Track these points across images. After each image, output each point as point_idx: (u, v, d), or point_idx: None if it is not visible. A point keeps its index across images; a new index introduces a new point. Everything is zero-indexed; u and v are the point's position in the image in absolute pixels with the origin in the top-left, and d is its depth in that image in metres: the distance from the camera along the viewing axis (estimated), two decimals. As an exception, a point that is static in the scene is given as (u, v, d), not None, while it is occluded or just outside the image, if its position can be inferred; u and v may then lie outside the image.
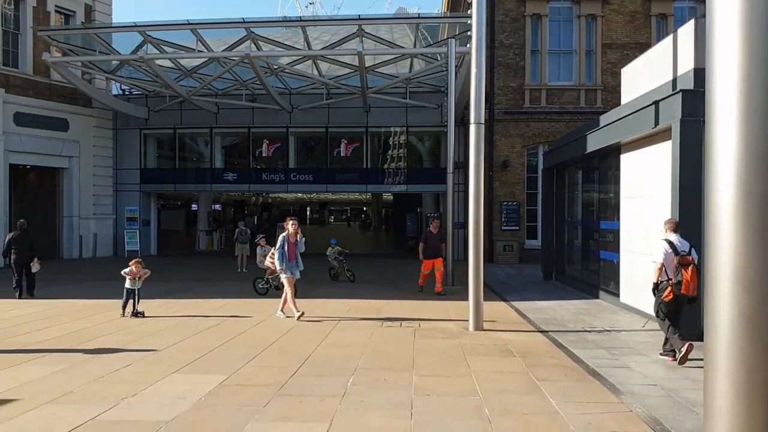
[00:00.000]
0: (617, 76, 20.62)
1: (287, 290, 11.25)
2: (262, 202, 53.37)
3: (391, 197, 47.78)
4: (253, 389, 6.72)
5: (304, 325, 10.65)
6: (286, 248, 11.18)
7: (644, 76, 12.46)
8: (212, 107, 27.83)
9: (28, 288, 14.17)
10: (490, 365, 7.94)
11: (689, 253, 8.05)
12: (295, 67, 24.56)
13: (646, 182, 11.73)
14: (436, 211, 27.57)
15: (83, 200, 26.66)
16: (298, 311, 11.06)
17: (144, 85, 26.84)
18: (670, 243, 8.18)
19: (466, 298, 10.85)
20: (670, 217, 9.52)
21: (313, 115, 27.64)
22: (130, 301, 11.56)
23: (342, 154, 28.49)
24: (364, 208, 75.81)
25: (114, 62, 24.52)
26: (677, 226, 8.48)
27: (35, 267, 14.04)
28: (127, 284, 11.60)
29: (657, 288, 8.22)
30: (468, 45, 16.95)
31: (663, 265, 8.13)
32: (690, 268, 7.92)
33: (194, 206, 34.31)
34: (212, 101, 27.57)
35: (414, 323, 10.91)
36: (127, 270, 11.64)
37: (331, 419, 5.71)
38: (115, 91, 28.98)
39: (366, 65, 22.70)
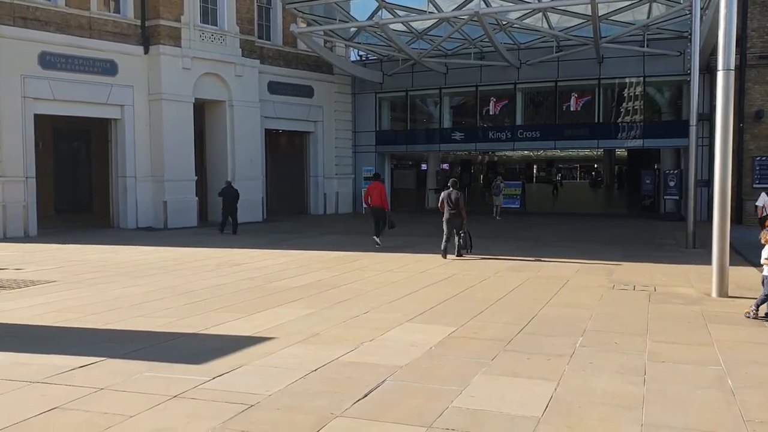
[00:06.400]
0: None
1: None
2: (488, 161, 53.42)
3: (626, 153, 45.04)
4: (481, 343, 6.95)
5: (530, 284, 10.66)
6: None
7: None
8: (441, 68, 28.34)
9: (233, 230, 19.53)
10: (735, 334, 7.34)
11: None
12: (525, 21, 24.08)
13: None
14: (675, 168, 25.53)
15: (326, 161, 28.94)
16: None
17: (379, 50, 28.20)
18: None
19: (708, 263, 10.06)
20: None
21: (542, 69, 26.86)
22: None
23: (572, 109, 27.42)
24: (595, 165, 72.29)
25: (352, 29, 26.06)
26: None
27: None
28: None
29: None
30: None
31: None
32: None
33: (424, 166, 35.50)
34: (442, 62, 28.09)
35: (648, 287, 10.37)
36: None
37: (559, 378, 5.73)
38: (353, 58, 30.79)
39: (599, 14, 21.52)
